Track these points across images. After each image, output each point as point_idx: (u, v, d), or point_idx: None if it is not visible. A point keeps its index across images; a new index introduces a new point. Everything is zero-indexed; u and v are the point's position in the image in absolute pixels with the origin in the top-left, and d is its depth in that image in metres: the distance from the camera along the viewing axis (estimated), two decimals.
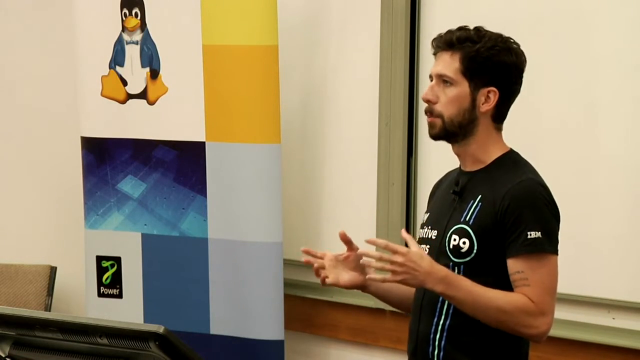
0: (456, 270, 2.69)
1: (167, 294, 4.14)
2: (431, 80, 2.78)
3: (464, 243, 2.70)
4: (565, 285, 3.52)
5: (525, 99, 3.62)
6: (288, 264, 4.16)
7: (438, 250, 2.75)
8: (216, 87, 4.00)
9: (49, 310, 4.48)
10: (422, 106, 3.90)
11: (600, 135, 3.48)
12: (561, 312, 3.52)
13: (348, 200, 4.15)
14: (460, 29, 2.76)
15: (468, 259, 2.69)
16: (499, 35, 2.75)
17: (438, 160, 3.85)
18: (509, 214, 2.66)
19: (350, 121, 4.12)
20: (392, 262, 2.61)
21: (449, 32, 2.76)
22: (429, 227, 2.83)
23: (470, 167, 2.79)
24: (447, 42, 2.74)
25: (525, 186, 2.69)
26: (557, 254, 2.69)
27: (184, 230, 4.11)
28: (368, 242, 2.72)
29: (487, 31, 2.75)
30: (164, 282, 4.15)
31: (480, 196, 2.72)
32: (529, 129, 3.61)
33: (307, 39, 4.22)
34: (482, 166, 2.77)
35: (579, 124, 3.52)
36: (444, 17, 3.83)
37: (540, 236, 2.65)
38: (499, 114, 2.77)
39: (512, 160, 2.78)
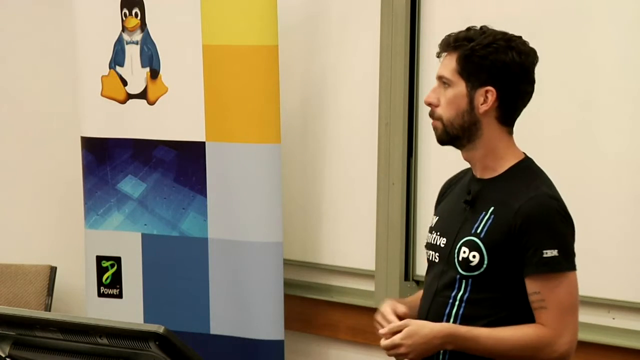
0: (464, 284, 2.65)
1: (167, 294, 4.14)
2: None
3: (474, 257, 2.63)
4: None
5: None
6: (288, 264, 4.16)
7: (447, 261, 2.70)
8: (216, 87, 4.00)
9: (49, 310, 4.48)
10: (422, 106, 3.92)
11: (600, 135, 3.47)
12: None
13: (348, 200, 4.15)
14: (467, 29, 2.70)
15: (477, 273, 2.63)
16: (502, 33, 2.68)
17: (438, 160, 3.85)
18: (523, 231, 2.59)
19: (350, 121, 4.12)
20: (396, 345, 2.62)
21: (452, 33, 2.71)
22: (438, 234, 2.76)
23: (482, 174, 2.72)
24: (446, 43, 2.69)
25: (539, 202, 2.61)
26: (575, 269, 2.63)
27: (184, 230, 4.11)
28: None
29: (489, 30, 2.68)
30: (164, 282, 4.15)
31: (492, 208, 2.65)
32: (528, 129, 3.60)
33: (307, 39, 4.22)
34: (494, 174, 2.70)
35: (579, 124, 3.52)
36: (444, 17, 3.83)
37: (557, 254, 2.58)
38: (505, 116, 2.69)
39: (526, 171, 2.70)
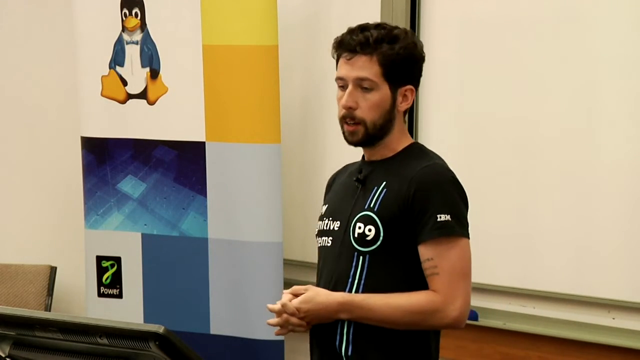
0: (361, 260, 2.67)
1: (167, 294, 4.14)
2: (340, 85, 2.72)
3: (370, 230, 2.66)
4: (565, 285, 3.53)
5: (525, 100, 3.62)
6: (288, 264, 4.16)
7: (342, 242, 2.71)
8: (216, 87, 4.00)
9: (49, 310, 4.48)
10: (421, 106, 3.92)
11: (600, 136, 3.47)
12: (561, 312, 3.53)
13: None
14: (365, 28, 2.69)
15: (374, 247, 2.65)
16: (404, 31, 2.71)
17: None
18: (417, 199, 2.62)
19: None
20: (293, 324, 2.69)
21: (359, 33, 2.68)
22: (330, 219, 2.78)
23: (376, 158, 2.76)
24: (362, 45, 2.67)
25: (431, 170, 2.66)
26: (468, 237, 2.65)
27: (184, 230, 4.11)
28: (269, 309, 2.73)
29: (391, 28, 2.70)
30: (164, 282, 4.15)
31: (384, 182, 2.68)
32: (529, 130, 3.60)
33: (307, 39, 4.22)
34: (387, 157, 2.74)
35: (579, 125, 3.52)
36: (444, 17, 3.82)
37: (450, 219, 2.61)
38: (410, 107, 2.75)
39: (418, 149, 2.76)
